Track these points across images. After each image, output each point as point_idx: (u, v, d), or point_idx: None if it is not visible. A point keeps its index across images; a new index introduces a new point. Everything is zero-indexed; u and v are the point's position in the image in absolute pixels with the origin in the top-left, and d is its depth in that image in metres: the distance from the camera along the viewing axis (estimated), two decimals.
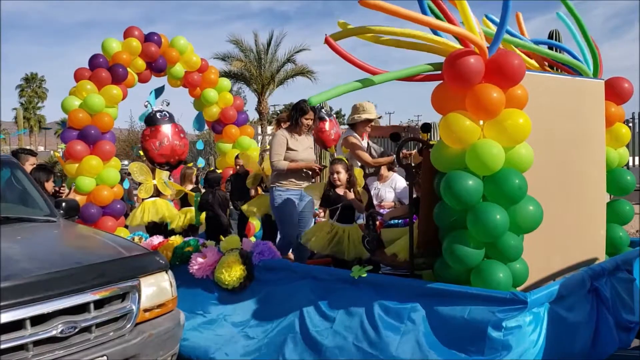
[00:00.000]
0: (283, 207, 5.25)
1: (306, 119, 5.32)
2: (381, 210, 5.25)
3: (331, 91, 3.28)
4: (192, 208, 6.86)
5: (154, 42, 6.71)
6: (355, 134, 5.64)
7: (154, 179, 6.95)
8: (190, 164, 8.06)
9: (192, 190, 7.05)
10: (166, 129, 6.69)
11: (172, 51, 6.91)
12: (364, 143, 5.79)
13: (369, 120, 5.65)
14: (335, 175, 4.77)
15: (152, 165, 6.97)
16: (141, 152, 6.99)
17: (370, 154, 5.78)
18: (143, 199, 7.01)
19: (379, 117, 5.93)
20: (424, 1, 3.50)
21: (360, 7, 3.05)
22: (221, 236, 5.22)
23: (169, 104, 6.96)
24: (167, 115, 6.78)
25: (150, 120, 6.72)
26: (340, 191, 4.78)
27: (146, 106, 6.81)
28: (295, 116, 5.35)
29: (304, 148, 5.37)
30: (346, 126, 5.98)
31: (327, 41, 3.40)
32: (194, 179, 7.38)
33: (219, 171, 7.54)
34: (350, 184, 4.80)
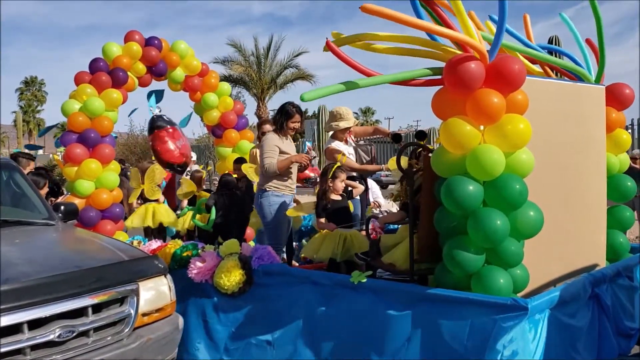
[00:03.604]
0: (280, 213, 5.19)
1: (292, 122, 5.25)
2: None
3: (326, 89, 3.28)
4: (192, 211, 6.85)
5: (154, 47, 6.71)
6: (337, 142, 5.61)
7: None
8: (201, 166, 8.08)
9: (215, 192, 7.03)
10: (178, 131, 6.80)
11: (173, 55, 6.91)
12: (350, 147, 5.75)
13: (348, 128, 5.64)
14: (342, 184, 4.78)
15: (164, 167, 6.96)
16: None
17: (360, 158, 5.75)
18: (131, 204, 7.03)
19: (356, 122, 5.91)
20: (419, 8, 3.51)
21: (360, 12, 3.06)
22: (220, 238, 5.20)
23: (160, 110, 7.02)
24: (171, 120, 6.97)
25: (159, 124, 6.75)
26: (336, 197, 4.80)
27: (152, 110, 6.86)
28: (280, 120, 5.28)
29: (293, 151, 5.33)
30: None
31: (328, 45, 3.41)
32: (203, 183, 7.37)
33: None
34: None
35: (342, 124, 5.54)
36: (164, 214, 7.00)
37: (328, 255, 4.64)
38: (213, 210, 6.47)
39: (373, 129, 6.34)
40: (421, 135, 4.66)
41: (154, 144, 7.01)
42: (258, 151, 6.37)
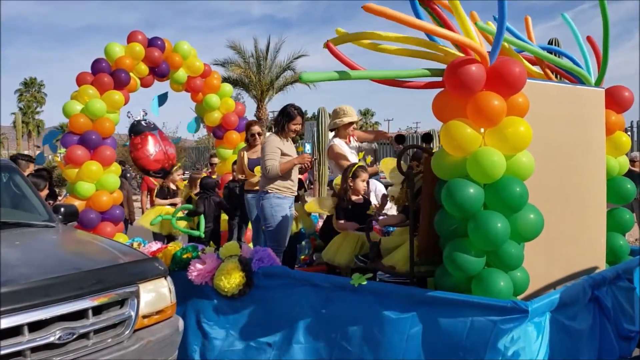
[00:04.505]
0: (281, 215, 5.18)
1: (294, 124, 5.25)
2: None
3: (326, 74, 3.29)
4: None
5: (157, 47, 6.70)
6: (339, 140, 5.60)
7: None
8: (205, 169, 8.08)
9: (196, 194, 7.05)
10: (155, 135, 6.71)
11: (176, 56, 6.91)
12: (353, 146, 5.74)
13: (351, 123, 5.64)
14: (364, 184, 4.72)
15: (144, 174, 6.97)
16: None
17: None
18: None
19: (360, 120, 5.95)
20: (419, 9, 3.52)
21: (361, 14, 3.13)
22: (211, 242, 5.18)
23: (146, 113, 6.95)
24: (152, 123, 6.83)
25: (137, 129, 6.70)
26: (355, 198, 4.75)
27: (129, 117, 6.75)
28: (282, 122, 5.27)
29: (294, 154, 5.33)
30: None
31: (327, 46, 3.42)
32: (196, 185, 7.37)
33: (214, 177, 7.56)
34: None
35: (346, 119, 5.56)
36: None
37: (345, 260, 4.56)
38: (202, 217, 6.51)
39: (374, 135, 6.31)
40: (427, 137, 4.64)
41: (130, 150, 7.02)
42: (246, 153, 6.39)
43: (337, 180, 5.14)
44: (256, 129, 6.43)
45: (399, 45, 3.59)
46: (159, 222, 6.97)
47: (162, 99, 7.39)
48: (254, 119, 28.37)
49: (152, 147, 6.70)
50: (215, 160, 8.60)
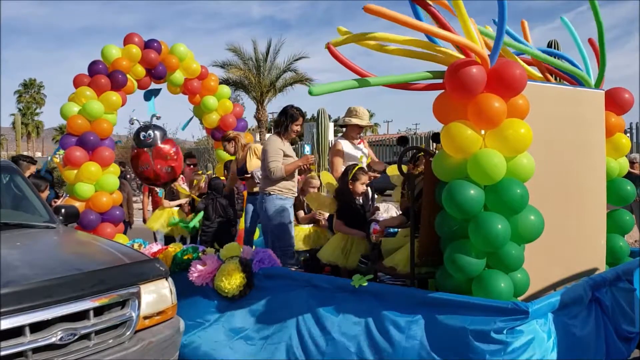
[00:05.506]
0: (283, 216, 5.18)
1: (296, 125, 5.27)
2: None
3: (332, 85, 3.29)
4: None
5: (153, 49, 6.72)
6: (345, 141, 5.59)
7: None
8: (200, 172, 8.08)
9: (198, 196, 7.05)
10: (147, 153, 6.59)
11: (172, 58, 6.92)
12: (357, 149, 5.73)
13: (360, 126, 5.62)
14: (363, 187, 4.72)
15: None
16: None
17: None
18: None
19: (369, 125, 5.92)
20: (418, 10, 3.52)
21: (360, 15, 3.15)
22: (216, 244, 5.18)
23: (159, 117, 6.89)
24: (151, 136, 6.58)
25: (137, 141, 6.66)
26: (357, 200, 4.75)
27: (132, 123, 6.70)
28: (285, 122, 5.28)
29: (293, 154, 5.34)
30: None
31: (328, 48, 3.42)
32: (202, 185, 7.37)
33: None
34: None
35: (354, 120, 5.56)
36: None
37: (355, 263, 4.52)
38: (201, 213, 6.52)
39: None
40: (437, 137, 4.65)
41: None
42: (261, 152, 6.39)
43: (324, 176, 5.13)
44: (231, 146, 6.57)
45: (400, 46, 3.59)
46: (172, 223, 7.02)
47: (156, 93, 7.36)
48: (255, 120, 28.43)
49: (141, 165, 6.67)
50: (194, 160, 8.58)
